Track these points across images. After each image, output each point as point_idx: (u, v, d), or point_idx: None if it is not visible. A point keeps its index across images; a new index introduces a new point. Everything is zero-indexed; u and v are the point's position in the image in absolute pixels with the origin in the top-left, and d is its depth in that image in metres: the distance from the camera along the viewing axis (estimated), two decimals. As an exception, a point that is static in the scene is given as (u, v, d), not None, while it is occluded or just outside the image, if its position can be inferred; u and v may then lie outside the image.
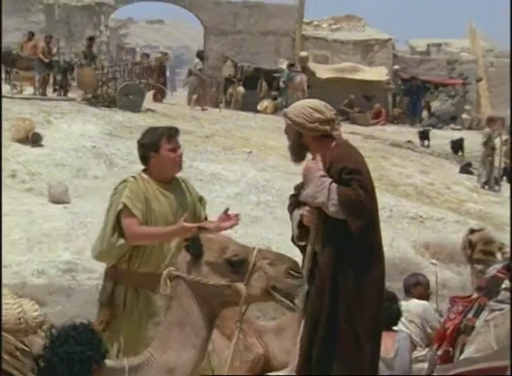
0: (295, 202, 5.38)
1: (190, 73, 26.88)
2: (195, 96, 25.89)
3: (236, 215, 5.61)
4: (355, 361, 4.99)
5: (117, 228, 5.46)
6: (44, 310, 5.82)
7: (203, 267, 3.98)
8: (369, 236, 5.03)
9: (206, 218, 5.74)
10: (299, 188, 5.41)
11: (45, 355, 3.67)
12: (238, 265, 3.97)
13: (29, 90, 23.86)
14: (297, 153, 5.32)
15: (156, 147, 5.57)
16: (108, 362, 3.84)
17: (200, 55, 27.50)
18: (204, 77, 26.85)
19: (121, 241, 5.43)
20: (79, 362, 3.64)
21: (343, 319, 4.98)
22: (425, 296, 7.79)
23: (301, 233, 5.28)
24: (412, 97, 30.83)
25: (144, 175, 5.62)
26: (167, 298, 4.04)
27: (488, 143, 20.86)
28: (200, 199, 5.86)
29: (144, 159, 5.68)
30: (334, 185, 4.98)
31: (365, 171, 5.13)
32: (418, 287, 7.81)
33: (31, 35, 25.00)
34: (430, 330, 7.37)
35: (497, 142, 21.30)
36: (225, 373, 4.49)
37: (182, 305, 3.98)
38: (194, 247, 4.00)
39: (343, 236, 4.98)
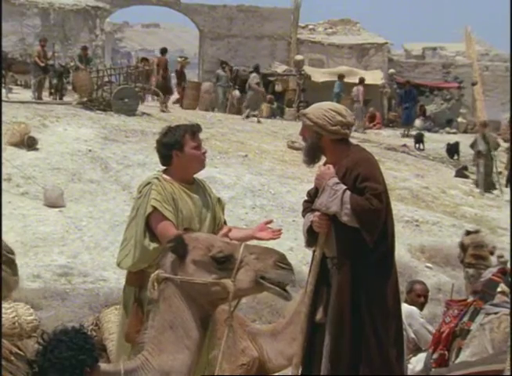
0: (308, 207, 5.34)
1: (249, 87, 26.90)
2: (248, 110, 25.98)
3: (277, 231, 5.39)
4: (381, 366, 4.99)
5: (148, 231, 5.25)
6: (39, 314, 5.81)
7: (190, 266, 3.96)
8: (383, 243, 5.03)
9: (225, 222, 5.59)
10: (311, 194, 5.39)
11: (37, 360, 3.66)
12: (224, 261, 3.94)
13: (25, 93, 23.84)
14: (313, 155, 5.27)
15: (180, 145, 5.35)
16: (103, 366, 3.83)
17: (257, 69, 27.62)
18: (262, 89, 27.00)
19: (154, 245, 5.22)
20: (71, 367, 3.63)
21: (368, 329, 4.98)
22: (418, 303, 7.76)
23: (311, 239, 5.25)
24: (406, 104, 30.16)
25: (166, 176, 5.41)
26: (154, 301, 4.01)
27: (473, 147, 20.95)
28: (219, 200, 5.66)
29: (166, 158, 5.43)
30: (347, 193, 4.96)
31: (378, 175, 5.10)
32: (411, 294, 7.82)
33: None
34: (413, 335, 7.36)
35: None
36: (216, 370, 4.47)
37: (172, 307, 3.96)
38: (179, 247, 3.98)
39: (358, 244, 4.97)
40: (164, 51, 26.93)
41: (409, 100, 29.89)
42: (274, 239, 5.33)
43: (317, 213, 5.11)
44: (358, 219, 4.90)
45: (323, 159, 5.33)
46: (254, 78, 26.95)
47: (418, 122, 30.68)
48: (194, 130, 5.45)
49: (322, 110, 5.22)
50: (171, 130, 5.48)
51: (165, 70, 25.67)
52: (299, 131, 5.44)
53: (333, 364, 5.05)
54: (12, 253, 4.49)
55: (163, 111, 23.64)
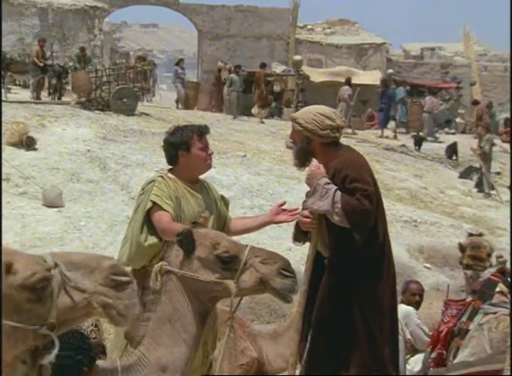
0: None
1: (339, 100, 26.98)
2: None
3: (293, 210, 5.41)
4: (374, 366, 4.98)
5: (146, 227, 5.23)
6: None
7: (194, 262, 3.98)
8: (374, 243, 5.03)
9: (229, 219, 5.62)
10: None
11: None
12: (229, 261, 3.96)
13: (23, 93, 23.82)
14: (304, 158, 5.28)
15: (187, 146, 5.35)
16: (100, 363, 3.85)
17: (348, 81, 27.65)
18: (353, 102, 27.22)
19: (150, 240, 5.19)
20: (68, 367, 3.64)
21: (360, 329, 4.97)
22: (413, 303, 7.76)
23: (296, 232, 5.27)
24: (382, 105, 28.44)
25: (171, 175, 5.41)
26: (154, 293, 4.01)
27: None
28: (222, 198, 5.70)
29: (172, 158, 5.44)
30: (338, 193, 4.96)
31: (367, 177, 5.11)
32: (406, 294, 7.83)
33: None
34: (409, 336, 7.36)
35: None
36: (216, 370, 4.48)
37: (172, 301, 3.97)
38: (187, 242, 3.99)
39: (348, 243, 4.97)
40: (263, 65, 28.21)
41: (384, 101, 28.52)
42: (293, 220, 5.34)
43: (302, 212, 5.13)
44: (348, 219, 4.91)
45: (314, 161, 5.35)
46: (346, 91, 26.92)
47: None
48: (202, 131, 5.45)
49: (311, 114, 5.21)
50: (179, 130, 5.47)
51: (266, 83, 27.05)
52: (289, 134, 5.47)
53: (308, 365, 5.05)
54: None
55: (262, 123, 25.32)
